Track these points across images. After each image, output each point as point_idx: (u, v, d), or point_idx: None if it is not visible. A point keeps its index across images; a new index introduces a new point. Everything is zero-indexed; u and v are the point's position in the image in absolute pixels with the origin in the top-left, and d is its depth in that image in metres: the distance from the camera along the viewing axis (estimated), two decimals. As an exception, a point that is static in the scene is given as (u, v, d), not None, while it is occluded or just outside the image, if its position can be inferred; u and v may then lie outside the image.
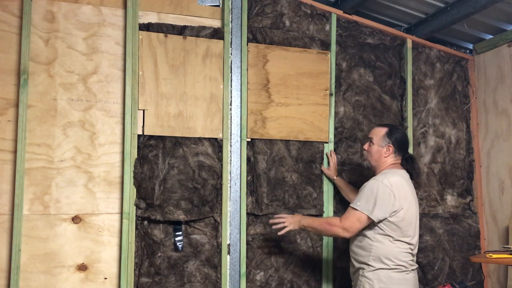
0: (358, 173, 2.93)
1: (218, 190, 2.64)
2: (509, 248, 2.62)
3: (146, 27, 2.58)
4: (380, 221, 2.24)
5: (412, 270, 2.31)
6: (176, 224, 2.56)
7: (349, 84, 2.98)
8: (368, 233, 2.28)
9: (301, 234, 2.81)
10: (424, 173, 3.12)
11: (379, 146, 2.39)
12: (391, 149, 2.38)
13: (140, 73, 2.54)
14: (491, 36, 3.21)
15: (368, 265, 2.27)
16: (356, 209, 2.23)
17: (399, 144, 2.40)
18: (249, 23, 2.78)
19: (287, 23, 2.88)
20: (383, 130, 2.41)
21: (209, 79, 2.67)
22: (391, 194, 2.23)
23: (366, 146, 2.46)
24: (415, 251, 2.33)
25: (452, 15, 2.90)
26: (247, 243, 2.68)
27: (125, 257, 2.44)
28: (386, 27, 3.12)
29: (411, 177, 2.39)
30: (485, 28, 3.15)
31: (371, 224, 2.27)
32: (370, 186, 2.27)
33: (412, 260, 2.31)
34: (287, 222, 2.40)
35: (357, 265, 2.35)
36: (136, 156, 2.50)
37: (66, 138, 2.43)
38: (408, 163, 2.41)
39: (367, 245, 2.29)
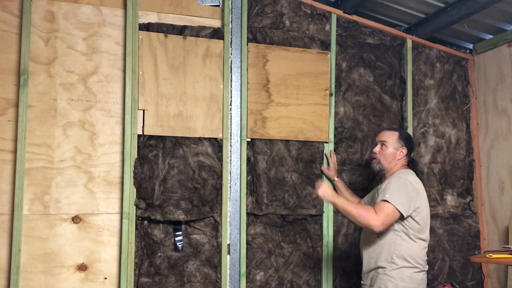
0: (358, 173, 2.93)
1: (218, 190, 2.64)
2: (509, 248, 2.63)
3: (146, 27, 2.58)
4: (405, 218, 2.26)
5: (425, 270, 2.35)
6: (176, 224, 2.56)
7: (349, 84, 2.98)
8: (391, 230, 2.29)
9: (301, 234, 2.81)
10: (424, 173, 3.12)
11: (394, 149, 2.44)
12: (405, 151, 2.44)
13: (140, 73, 2.54)
14: (491, 36, 3.21)
15: (391, 263, 2.27)
16: (390, 203, 2.21)
17: (411, 147, 2.49)
18: (249, 23, 2.78)
19: (287, 23, 2.88)
20: (395, 134, 2.47)
21: (209, 79, 2.67)
22: (417, 191, 2.29)
23: (377, 150, 2.47)
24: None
25: (452, 15, 2.90)
26: (247, 243, 2.68)
27: (125, 257, 2.44)
28: (386, 27, 3.12)
29: None
30: (485, 28, 3.15)
31: (395, 221, 2.28)
32: (397, 182, 2.30)
33: (426, 260, 2.35)
34: (320, 191, 2.31)
35: (374, 264, 2.34)
36: (136, 156, 2.50)
37: (66, 138, 2.43)
38: (414, 165, 2.49)
39: (390, 243, 2.28)
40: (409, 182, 2.29)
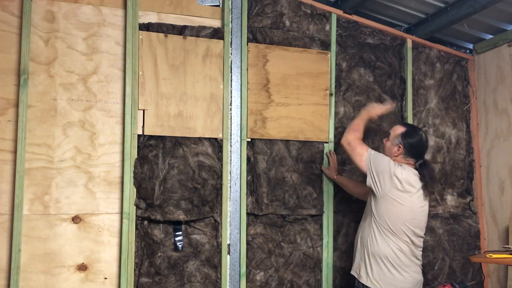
0: (358, 173, 2.93)
1: (218, 190, 2.64)
2: (509, 248, 2.63)
3: (146, 27, 2.58)
4: (371, 190, 2.32)
5: (407, 267, 2.31)
6: (176, 224, 2.56)
7: (349, 84, 2.98)
8: (369, 223, 2.34)
9: (301, 234, 2.81)
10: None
11: (391, 144, 2.43)
12: (401, 150, 2.39)
13: (140, 73, 2.54)
14: (491, 36, 3.21)
15: (365, 256, 2.34)
16: (367, 151, 2.38)
17: (411, 148, 2.39)
18: (249, 23, 2.78)
19: (287, 23, 2.88)
20: (401, 129, 2.44)
21: (209, 79, 2.67)
22: (394, 180, 2.27)
23: (384, 140, 2.52)
24: (416, 252, 2.35)
25: (452, 15, 2.90)
26: (247, 243, 2.68)
27: (125, 257, 2.44)
28: (386, 27, 3.12)
29: (425, 185, 2.34)
30: (485, 28, 3.15)
31: (371, 211, 2.33)
32: (387, 158, 2.36)
33: (409, 260, 2.32)
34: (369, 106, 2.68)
35: (354, 255, 2.43)
36: (136, 156, 2.50)
37: (66, 138, 2.43)
38: (422, 169, 2.38)
39: (365, 237, 2.36)
40: (393, 170, 2.27)
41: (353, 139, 2.43)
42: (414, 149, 2.39)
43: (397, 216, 2.28)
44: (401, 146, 2.39)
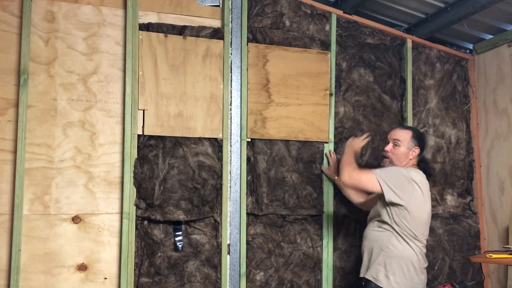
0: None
1: (218, 190, 2.64)
2: (509, 248, 2.63)
3: (146, 27, 2.58)
4: (392, 203, 2.26)
5: (424, 269, 2.33)
6: (176, 224, 2.56)
7: (349, 84, 2.98)
8: (389, 229, 2.31)
9: (301, 234, 2.81)
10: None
11: (407, 148, 2.43)
12: (417, 151, 2.44)
13: (140, 73, 2.54)
14: (491, 36, 3.21)
15: (384, 262, 2.30)
16: (374, 173, 2.28)
17: (424, 146, 2.50)
18: (249, 23, 2.78)
19: (287, 23, 2.88)
20: (409, 133, 2.46)
21: (209, 79, 2.67)
22: (413, 188, 2.26)
23: (389, 148, 2.47)
24: (425, 251, 2.37)
25: (452, 15, 2.90)
26: (247, 243, 2.68)
27: (125, 257, 2.44)
28: (386, 27, 3.12)
29: (428, 176, 2.41)
30: (485, 28, 3.15)
31: (389, 219, 2.30)
32: (395, 168, 2.36)
33: (424, 261, 2.34)
34: (350, 141, 2.60)
35: (367, 259, 2.38)
36: (136, 156, 2.50)
37: (66, 138, 2.43)
38: (424, 163, 2.48)
39: (382, 242, 2.32)
40: (408, 174, 2.28)
41: (350, 171, 2.33)
42: (424, 146, 2.51)
43: (418, 220, 2.28)
44: (417, 147, 2.44)
